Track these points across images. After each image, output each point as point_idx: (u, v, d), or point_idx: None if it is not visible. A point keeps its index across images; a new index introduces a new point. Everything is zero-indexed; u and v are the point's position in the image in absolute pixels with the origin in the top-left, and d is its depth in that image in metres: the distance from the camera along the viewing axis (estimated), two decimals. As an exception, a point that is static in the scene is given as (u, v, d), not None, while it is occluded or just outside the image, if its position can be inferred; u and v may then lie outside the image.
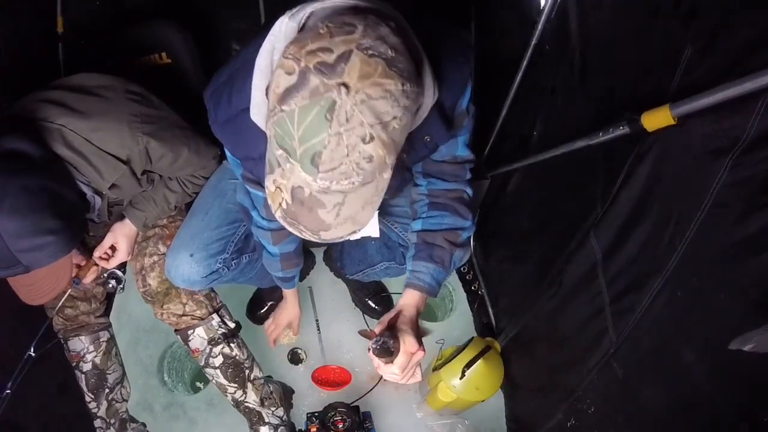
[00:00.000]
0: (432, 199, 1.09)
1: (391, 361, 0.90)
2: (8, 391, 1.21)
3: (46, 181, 0.97)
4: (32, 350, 1.27)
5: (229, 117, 0.87)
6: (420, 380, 0.97)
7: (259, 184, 1.02)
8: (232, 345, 1.42)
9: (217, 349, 1.40)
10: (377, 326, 0.95)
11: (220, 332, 1.39)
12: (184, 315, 1.35)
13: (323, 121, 0.61)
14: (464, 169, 1.08)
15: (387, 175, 0.68)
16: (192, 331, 1.38)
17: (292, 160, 0.64)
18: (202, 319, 1.36)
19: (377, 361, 0.91)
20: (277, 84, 0.64)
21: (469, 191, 1.10)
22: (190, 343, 1.40)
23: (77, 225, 1.07)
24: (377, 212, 1.18)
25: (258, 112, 0.80)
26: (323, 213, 0.68)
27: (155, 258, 1.35)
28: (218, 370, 1.43)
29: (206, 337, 1.38)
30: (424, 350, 0.92)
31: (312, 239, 0.72)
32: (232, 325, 1.43)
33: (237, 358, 1.43)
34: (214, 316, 1.38)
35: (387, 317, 0.97)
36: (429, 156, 1.02)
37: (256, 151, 0.86)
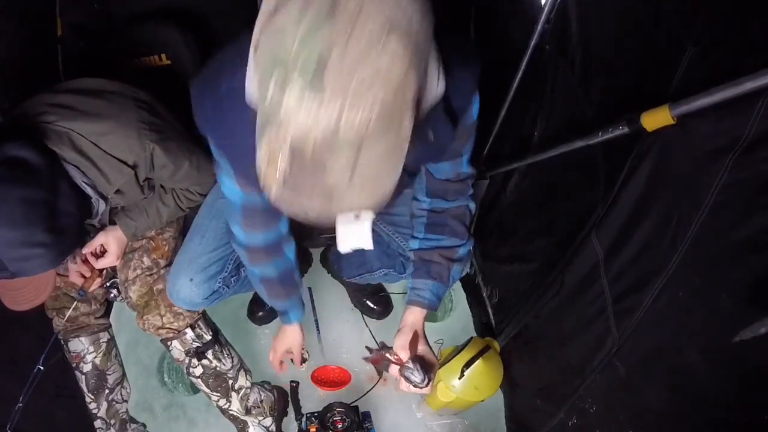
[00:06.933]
0: (432, 217, 1.10)
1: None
2: (20, 405, 1.23)
3: (44, 193, 0.97)
4: (41, 363, 1.29)
5: (215, 101, 0.78)
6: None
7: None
8: (209, 357, 1.41)
9: (196, 360, 1.41)
10: (399, 351, 1.02)
11: (194, 346, 1.39)
12: (161, 327, 1.36)
13: (325, 18, 0.50)
14: (467, 185, 1.10)
15: (407, 122, 0.55)
16: (170, 342, 1.39)
17: (293, 77, 0.50)
18: (178, 331, 1.37)
19: (408, 385, 1.02)
20: (267, 3, 0.54)
21: (472, 206, 1.12)
22: (171, 353, 1.42)
23: (69, 241, 1.07)
24: (371, 223, 1.13)
25: (250, 78, 0.67)
26: (333, 168, 0.53)
27: (138, 272, 1.35)
28: (199, 380, 1.44)
29: (183, 350, 1.39)
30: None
31: (321, 219, 0.58)
32: (208, 337, 1.41)
33: (217, 368, 1.43)
34: (188, 330, 1.38)
35: (405, 341, 1.03)
36: (430, 162, 1.03)
37: (246, 138, 0.65)
